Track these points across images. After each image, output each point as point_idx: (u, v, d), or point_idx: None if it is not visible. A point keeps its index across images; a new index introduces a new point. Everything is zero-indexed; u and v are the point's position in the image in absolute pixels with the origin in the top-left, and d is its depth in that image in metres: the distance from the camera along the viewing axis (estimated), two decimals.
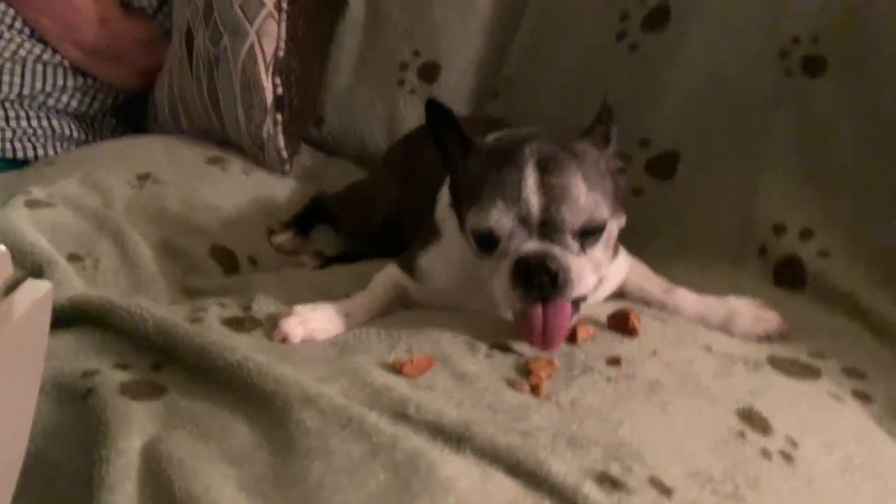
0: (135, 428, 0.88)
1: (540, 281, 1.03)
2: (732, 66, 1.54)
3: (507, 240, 1.07)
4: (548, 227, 1.05)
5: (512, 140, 1.15)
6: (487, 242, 1.09)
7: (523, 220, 1.06)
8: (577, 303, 1.09)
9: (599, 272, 1.10)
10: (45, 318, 0.73)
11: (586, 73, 1.73)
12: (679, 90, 1.59)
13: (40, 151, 2.14)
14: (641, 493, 0.81)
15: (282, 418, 0.87)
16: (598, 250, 1.09)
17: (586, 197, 1.06)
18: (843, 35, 1.43)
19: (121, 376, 1.01)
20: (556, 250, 1.05)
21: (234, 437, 0.87)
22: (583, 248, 1.07)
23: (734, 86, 1.53)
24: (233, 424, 0.89)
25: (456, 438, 0.84)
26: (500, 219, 1.06)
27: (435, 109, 1.17)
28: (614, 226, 1.12)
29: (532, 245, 1.05)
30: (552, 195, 1.05)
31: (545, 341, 1.04)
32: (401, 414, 0.88)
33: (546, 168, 1.06)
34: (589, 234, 1.07)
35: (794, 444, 0.93)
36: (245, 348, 0.97)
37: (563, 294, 1.04)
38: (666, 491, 0.82)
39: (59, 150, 2.18)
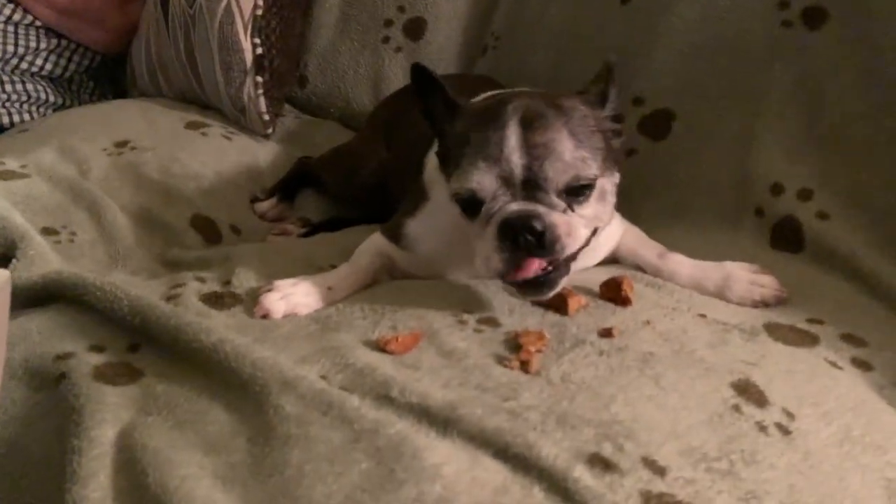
0: (108, 415, 0.85)
1: (525, 242, 0.98)
2: (729, 18, 1.48)
3: (491, 201, 1.02)
4: (532, 186, 1.01)
5: (498, 100, 1.09)
6: (471, 205, 1.04)
7: (506, 180, 1.01)
8: (567, 261, 1.04)
9: (593, 227, 1.06)
10: (4, 308, 0.70)
11: (577, 28, 1.67)
12: (673, 44, 1.53)
13: (15, 117, 2.08)
14: (634, 474, 0.78)
15: (260, 403, 0.84)
16: (590, 207, 1.04)
17: (572, 154, 1.01)
18: None
19: (96, 359, 0.97)
20: (540, 209, 1.00)
21: (211, 423, 0.84)
22: (570, 206, 1.02)
23: (730, 39, 1.47)
24: (210, 410, 0.86)
25: (442, 421, 0.81)
26: (481, 179, 1.02)
27: (420, 73, 1.11)
28: (607, 183, 1.07)
29: (516, 206, 1.01)
30: (535, 153, 1.00)
31: (535, 290, 1.01)
32: (384, 396, 0.84)
33: (529, 125, 1.02)
34: (576, 191, 1.02)
35: (790, 415, 0.90)
36: (221, 329, 0.94)
37: (553, 253, 1.00)
38: (659, 470, 0.79)
39: (35, 115, 2.12)
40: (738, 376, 0.93)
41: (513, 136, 1.01)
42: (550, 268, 1.00)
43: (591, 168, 1.02)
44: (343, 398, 0.82)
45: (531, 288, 1.01)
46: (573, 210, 1.02)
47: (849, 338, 1.07)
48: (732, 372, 0.94)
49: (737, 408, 0.89)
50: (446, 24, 1.93)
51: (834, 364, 1.01)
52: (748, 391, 0.92)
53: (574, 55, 1.64)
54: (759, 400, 0.90)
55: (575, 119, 1.04)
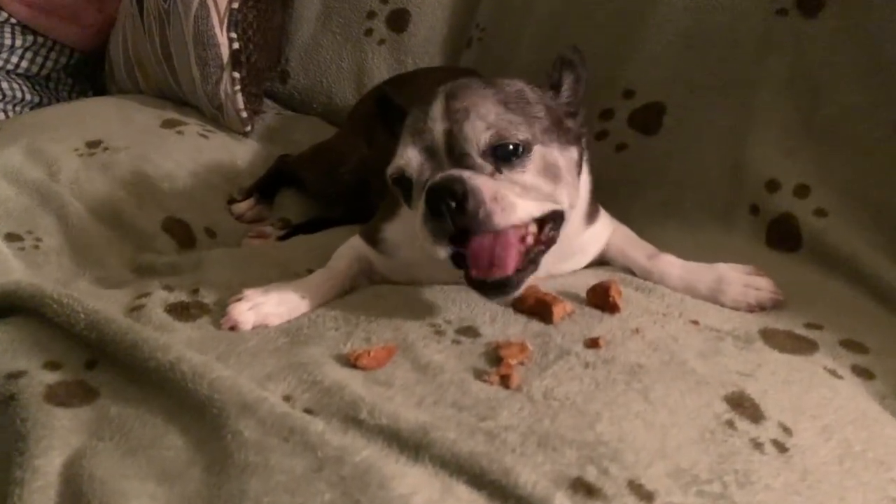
0: (56, 441, 0.80)
1: (447, 207, 0.92)
2: (721, 7, 1.41)
3: (419, 176, 0.99)
4: (455, 153, 0.97)
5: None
6: (406, 188, 1.01)
7: (430, 151, 0.98)
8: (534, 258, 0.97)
9: (551, 197, 0.99)
10: None
11: (564, 18, 1.61)
12: (663, 34, 1.47)
13: None
14: (619, 500, 0.73)
15: (217, 428, 0.78)
16: (528, 175, 0.98)
17: (497, 116, 0.97)
18: None
19: (50, 378, 0.92)
20: (464, 174, 0.94)
21: (166, 448, 0.79)
22: (498, 168, 0.96)
23: (723, 28, 1.41)
24: (166, 434, 0.81)
25: (413, 446, 0.76)
26: (406, 153, 0.99)
27: (387, 103, 1.12)
28: (557, 156, 1.01)
29: (441, 174, 0.96)
30: (455, 117, 0.97)
31: (496, 289, 0.94)
32: (352, 419, 0.79)
33: (454, 95, 1.00)
34: (504, 154, 0.96)
35: (787, 431, 0.85)
36: (180, 346, 0.88)
37: (481, 223, 0.92)
38: (646, 495, 0.74)
39: (11, 114, 2.07)
40: (732, 389, 0.89)
41: (437, 107, 0.99)
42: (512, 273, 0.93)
43: (519, 130, 0.98)
44: (306, 423, 0.76)
45: (492, 288, 0.95)
46: (501, 173, 0.96)
47: (849, 344, 1.02)
48: (725, 384, 0.89)
49: (730, 423, 0.84)
50: (430, 16, 1.88)
51: (833, 373, 0.96)
52: (742, 405, 0.87)
53: (561, 47, 1.57)
54: (754, 414, 0.86)
55: (507, 90, 1.02)
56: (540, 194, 0.98)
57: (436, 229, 0.94)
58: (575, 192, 1.05)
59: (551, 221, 1.00)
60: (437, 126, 0.98)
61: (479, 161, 0.96)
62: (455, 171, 0.95)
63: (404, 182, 1.01)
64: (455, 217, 0.92)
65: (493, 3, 1.78)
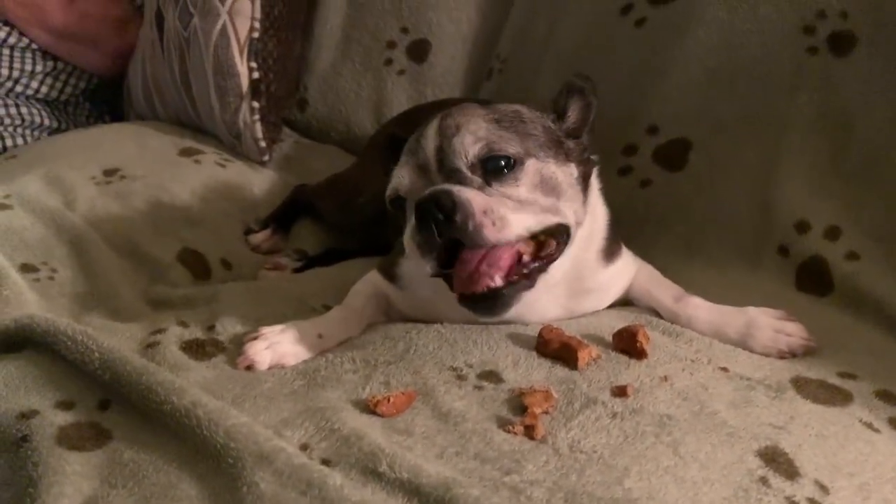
0: (67, 489, 0.77)
1: (435, 220, 0.91)
2: (750, 43, 1.39)
3: (411, 194, 0.99)
4: (446, 168, 0.96)
5: None
6: (400, 212, 1.02)
7: (423, 169, 0.98)
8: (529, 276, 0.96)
9: (552, 211, 0.98)
10: None
11: (587, 52, 1.59)
12: (690, 70, 1.44)
13: (8, 142, 2.02)
14: None
15: (233, 479, 0.75)
16: (522, 188, 0.96)
17: (487, 131, 0.97)
18: (875, 8, 1.27)
19: (62, 419, 0.89)
20: (453, 187, 0.93)
21: (179, 499, 0.76)
22: (488, 182, 0.95)
23: (751, 65, 1.38)
24: (179, 483, 0.78)
25: (435, 502, 0.72)
26: (401, 172, 1.00)
27: (396, 144, 1.10)
28: (554, 170, 1.00)
29: (430, 189, 0.95)
30: (446, 133, 0.98)
31: (485, 306, 0.94)
32: (371, 471, 0.76)
33: (448, 115, 1.00)
34: (494, 168, 0.96)
35: (824, 489, 0.81)
36: (195, 390, 0.86)
37: (471, 237, 0.91)
38: None
39: (29, 139, 2.07)
40: (765, 442, 0.86)
41: (431, 128, 1.00)
42: (501, 283, 0.93)
43: (510, 144, 0.97)
44: (324, 476, 0.73)
45: (481, 304, 0.94)
46: (490, 186, 0.95)
47: (885, 395, 0.99)
48: (758, 437, 0.86)
49: (764, 480, 0.81)
50: (451, 46, 1.87)
51: (870, 426, 0.93)
52: (776, 460, 0.84)
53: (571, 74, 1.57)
54: (789, 471, 0.82)
55: (502, 111, 1.03)
56: (539, 208, 0.97)
57: (423, 243, 0.93)
58: (581, 208, 1.04)
59: (554, 237, 0.98)
60: (429, 143, 0.99)
61: (469, 175, 0.96)
62: (444, 185, 0.95)
63: (400, 203, 1.02)
64: (443, 229, 0.91)
65: (514, 34, 1.76)
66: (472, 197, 0.92)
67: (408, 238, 0.96)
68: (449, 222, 0.91)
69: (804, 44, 1.33)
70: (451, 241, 0.93)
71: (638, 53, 1.51)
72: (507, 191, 0.96)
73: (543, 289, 1.06)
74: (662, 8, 1.50)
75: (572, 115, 1.08)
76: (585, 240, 1.08)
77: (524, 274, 0.96)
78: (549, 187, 0.99)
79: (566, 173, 1.02)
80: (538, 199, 0.97)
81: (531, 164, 0.98)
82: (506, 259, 0.94)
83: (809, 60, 1.32)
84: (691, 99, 1.43)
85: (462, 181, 0.95)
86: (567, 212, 1.00)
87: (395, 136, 1.13)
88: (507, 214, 0.93)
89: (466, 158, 0.96)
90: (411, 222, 0.94)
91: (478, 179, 0.96)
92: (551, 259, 0.99)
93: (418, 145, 1.00)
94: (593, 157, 1.10)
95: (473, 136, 0.96)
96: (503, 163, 0.96)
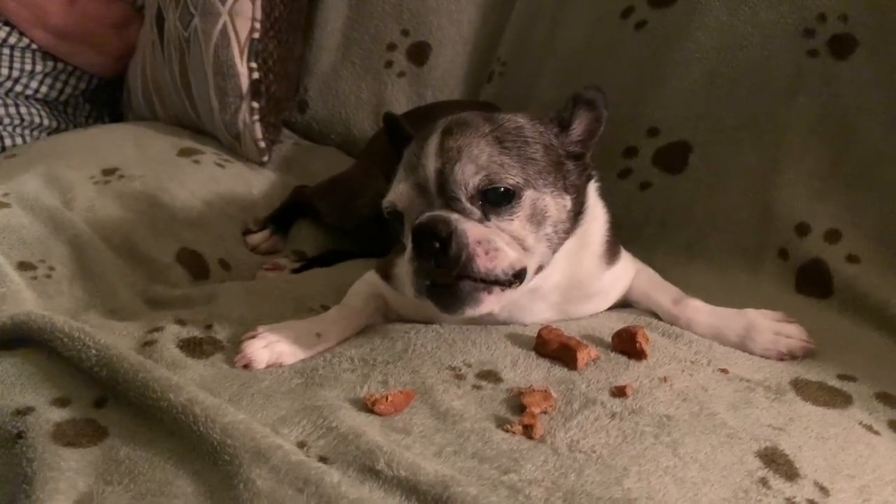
0: (62, 485, 0.77)
1: (430, 248, 0.91)
2: (750, 46, 1.39)
3: (409, 212, 0.98)
4: (446, 193, 0.95)
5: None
6: (396, 223, 1.01)
7: (422, 189, 0.97)
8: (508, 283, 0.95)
9: (525, 254, 0.96)
10: None
11: (587, 54, 1.59)
12: (691, 73, 1.44)
13: (7, 141, 2.02)
14: None
15: (230, 476, 0.75)
16: (516, 224, 0.96)
17: (489, 157, 0.95)
18: (875, 12, 1.27)
19: (58, 415, 0.89)
20: (451, 216, 0.93)
21: (175, 496, 0.75)
22: (486, 215, 0.95)
23: (751, 68, 1.38)
24: (175, 480, 0.77)
25: (433, 500, 0.72)
26: (399, 188, 0.98)
27: (392, 123, 1.11)
28: (548, 203, 0.98)
29: (429, 213, 0.94)
30: (448, 155, 0.96)
31: (453, 302, 0.93)
32: (369, 469, 0.76)
33: (450, 131, 0.98)
34: (493, 199, 0.95)
35: (824, 491, 0.81)
36: (192, 387, 0.85)
37: (462, 267, 0.91)
38: None
39: (28, 138, 2.06)
40: (765, 444, 0.85)
41: (432, 143, 0.98)
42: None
43: (511, 175, 0.95)
44: (321, 473, 0.73)
45: (449, 299, 0.94)
46: (489, 220, 0.95)
47: (884, 397, 0.99)
48: (758, 438, 0.86)
49: (764, 481, 0.80)
50: (451, 49, 1.86)
51: (869, 428, 0.92)
52: (776, 461, 0.83)
53: (583, 82, 1.55)
54: (789, 472, 0.82)
55: (504, 127, 1.00)
56: (520, 246, 0.96)
57: (419, 269, 0.93)
58: (549, 252, 1.01)
59: (514, 279, 0.97)
60: (430, 163, 0.97)
61: (468, 206, 0.95)
62: (443, 213, 0.94)
63: (397, 216, 1.01)
64: (439, 259, 0.91)
65: (515, 37, 1.76)
66: (469, 228, 0.92)
67: (405, 262, 0.96)
68: (444, 251, 0.91)
69: (804, 47, 1.33)
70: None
71: (638, 56, 1.51)
72: (503, 225, 0.96)
73: (538, 295, 1.06)
74: (663, 11, 1.50)
75: (578, 128, 1.06)
76: (582, 247, 1.08)
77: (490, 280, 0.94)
78: (536, 221, 0.98)
79: (559, 206, 1.01)
80: (525, 237, 0.97)
81: (528, 196, 0.97)
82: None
83: (810, 63, 1.32)
84: (691, 101, 1.43)
85: (461, 211, 0.94)
86: (538, 251, 0.99)
87: (394, 119, 1.12)
88: (502, 248, 0.94)
89: (466, 189, 0.95)
90: (409, 246, 0.94)
91: (477, 212, 0.95)
92: (520, 281, 0.97)
93: (418, 162, 0.98)
94: (592, 172, 1.09)
95: (475, 164, 0.95)
96: (502, 191, 0.95)
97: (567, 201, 1.02)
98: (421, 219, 0.93)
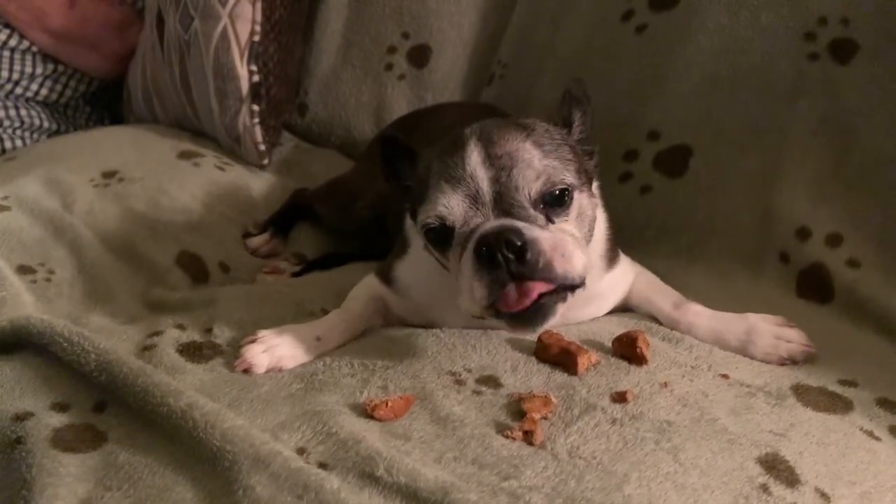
0: (61, 491, 0.77)
1: (505, 259, 0.87)
2: (751, 50, 1.38)
3: (462, 226, 0.93)
4: (504, 202, 0.92)
5: (456, 129, 1.02)
6: (442, 236, 0.95)
7: (474, 200, 0.92)
8: (566, 289, 0.91)
9: (584, 249, 0.94)
10: None
11: (587, 57, 1.58)
12: (691, 76, 1.43)
13: (7, 144, 2.02)
14: None
15: (229, 482, 0.75)
16: (571, 224, 0.94)
17: (540, 160, 0.93)
18: (877, 16, 1.27)
19: (57, 420, 0.89)
20: (518, 224, 0.89)
21: (174, 502, 0.75)
22: (550, 218, 0.92)
23: (752, 71, 1.37)
24: (175, 486, 0.77)
25: None
26: (448, 202, 0.93)
27: (390, 144, 1.09)
28: (585, 200, 0.98)
29: (490, 224, 0.90)
30: (500, 163, 0.92)
31: (526, 321, 0.89)
32: (369, 475, 0.75)
33: (489, 139, 0.95)
34: (553, 201, 0.93)
35: (825, 497, 0.81)
36: (192, 392, 0.85)
37: (541, 272, 0.87)
38: None
39: (29, 141, 2.06)
40: (766, 450, 0.85)
41: (474, 153, 0.94)
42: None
43: (565, 174, 0.94)
44: (321, 480, 0.73)
45: (521, 320, 0.90)
46: (553, 223, 0.93)
47: (885, 403, 0.99)
48: (759, 444, 0.86)
49: (765, 488, 0.80)
50: (452, 52, 1.86)
51: (870, 434, 0.92)
52: (777, 467, 0.83)
53: (567, 80, 1.56)
54: (790, 478, 0.82)
55: (537, 132, 0.98)
56: (578, 243, 0.94)
57: (492, 282, 0.88)
58: (588, 244, 1.00)
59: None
60: (480, 173, 0.92)
61: (532, 212, 0.92)
62: (508, 221, 0.90)
63: (443, 231, 0.95)
64: (512, 268, 0.87)
65: (515, 39, 1.76)
66: (541, 235, 0.89)
67: (471, 278, 0.90)
68: (519, 261, 0.87)
69: (805, 50, 1.32)
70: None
71: (639, 59, 1.51)
72: (562, 226, 0.93)
73: None
74: (663, 14, 1.50)
75: (578, 125, 1.06)
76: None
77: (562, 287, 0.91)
78: (581, 220, 0.97)
79: (592, 204, 1.00)
80: (578, 234, 0.95)
81: (576, 196, 0.96)
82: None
83: (811, 67, 1.31)
84: (692, 105, 1.42)
85: (524, 218, 0.91)
86: (586, 251, 0.96)
87: (393, 139, 1.10)
88: (574, 250, 0.90)
89: (529, 195, 0.92)
90: (471, 259, 0.90)
91: (541, 217, 0.92)
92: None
93: (464, 172, 0.93)
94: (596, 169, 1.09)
95: (532, 169, 0.92)
96: (559, 194, 0.93)
97: (596, 200, 1.03)
98: (487, 230, 0.89)
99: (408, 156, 1.06)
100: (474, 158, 0.93)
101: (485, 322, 1.02)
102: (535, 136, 0.96)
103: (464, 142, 0.95)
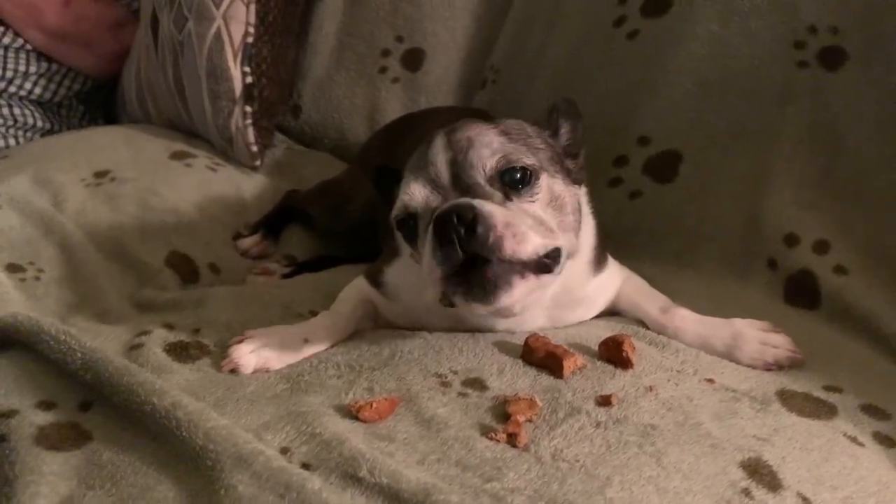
0: (44, 489, 0.77)
1: (457, 234, 0.87)
2: (741, 56, 1.39)
3: (425, 210, 0.96)
4: (462, 182, 0.94)
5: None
6: (410, 227, 0.99)
7: (435, 184, 0.96)
8: (541, 268, 0.92)
9: (553, 235, 0.94)
10: None
11: (580, 63, 1.59)
12: (681, 82, 1.44)
13: (0, 142, 2.01)
14: None
15: (211, 481, 0.75)
16: (538, 206, 0.95)
17: (501, 143, 0.96)
18: (865, 24, 1.28)
19: (42, 418, 0.89)
20: (473, 201, 0.90)
21: (156, 501, 0.75)
22: (508, 195, 0.94)
23: (742, 78, 1.38)
24: (157, 485, 0.77)
25: None
26: (409, 189, 0.97)
27: (384, 176, 1.11)
28: (561, 189, 0.99)
29: (449, 203, 0.92)
30: (458, 146, 0.96)
31: (479, 298, 0.89)
32: (351, 476, 0.76)
33: (454, 130, 0.99)
34: (513, 181, 0.94)
35: (807, 502, 0.81)
36: (176, 392, 0.85)
37: (489, 249, 0.87)
38: None
39: (21, 139, 2.06)
40: (749, 454, 0.85)
41: (438, 143, 0.98)
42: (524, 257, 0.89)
43: (525, 156, 0.96)
44: (303, 479, 0.73)
45: (475, 293, 0.90)
46: (511, 200, 0.94)
47: (870, 409, 0.99)
48: (742, 449, 0.86)
49: (746, 492, 0.80)
50: (445, 56, 1.87)
51: (854, 440, 0.92)
52: (759, 472, 0.83)
53: (575, 91, 1.56)
54: (772, 483, 0.82)
55: (508, 125, 1.01)
56: (545, 229, 0.95)
57: (444, 258, 0.89)
58: (575, 236, 1.01)
59: (548, 260, 0.94)
60: (440, 157, 0.96)
61: (488, 188, 0.94)
62: (464, 199, 0.92)
63: (409, 221, 0.99)
64: (464, 243, 0.88)
65: (508, 45, 1.77)
66: (493, 210, 0.90)
67: (428, 256, 0.91)
68: (470, 235, 0.88)
69: (795, 58, 1.33)
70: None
71: (630, 65, 1.52)
72: (524, 206, 0.94)
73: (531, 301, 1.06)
74: (655, 20, 1.51)
75: (565, 133, 1.08)
76: (574, 253, 1.08)
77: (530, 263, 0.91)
78: (556, 206, 0.98)
79: (571, 194, 1.01)
80: (548, 218, 0.96)
81: (544, 179, 0.97)
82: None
83: (800, 74, 1.32)
84: (682, 111, 1.43)
85: (481, 195, 0.92)
86: (564, 237, 0.97)
87: (382, 169, 1.13)
88: (528, 231, 0.91)
89: (484, 171, 0.94)
90: (430, 238, 0.90)
91: (498, 194, 0.93)
92: (552, 266, 0.95)
93: (426, 161, 0.97)
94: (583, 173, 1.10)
95: (489, 148, 0.95)
96: (520, 175, 0.94)
97: (576, 191, 1.04)
98: (442, 207, 0.91)
99: (397, 179, 1.05)
100: (437, 147, 0.97)
101: (470, 321, 1.02)
102: (503, 127, 1.00)
103: (434, 138, 0.99)
